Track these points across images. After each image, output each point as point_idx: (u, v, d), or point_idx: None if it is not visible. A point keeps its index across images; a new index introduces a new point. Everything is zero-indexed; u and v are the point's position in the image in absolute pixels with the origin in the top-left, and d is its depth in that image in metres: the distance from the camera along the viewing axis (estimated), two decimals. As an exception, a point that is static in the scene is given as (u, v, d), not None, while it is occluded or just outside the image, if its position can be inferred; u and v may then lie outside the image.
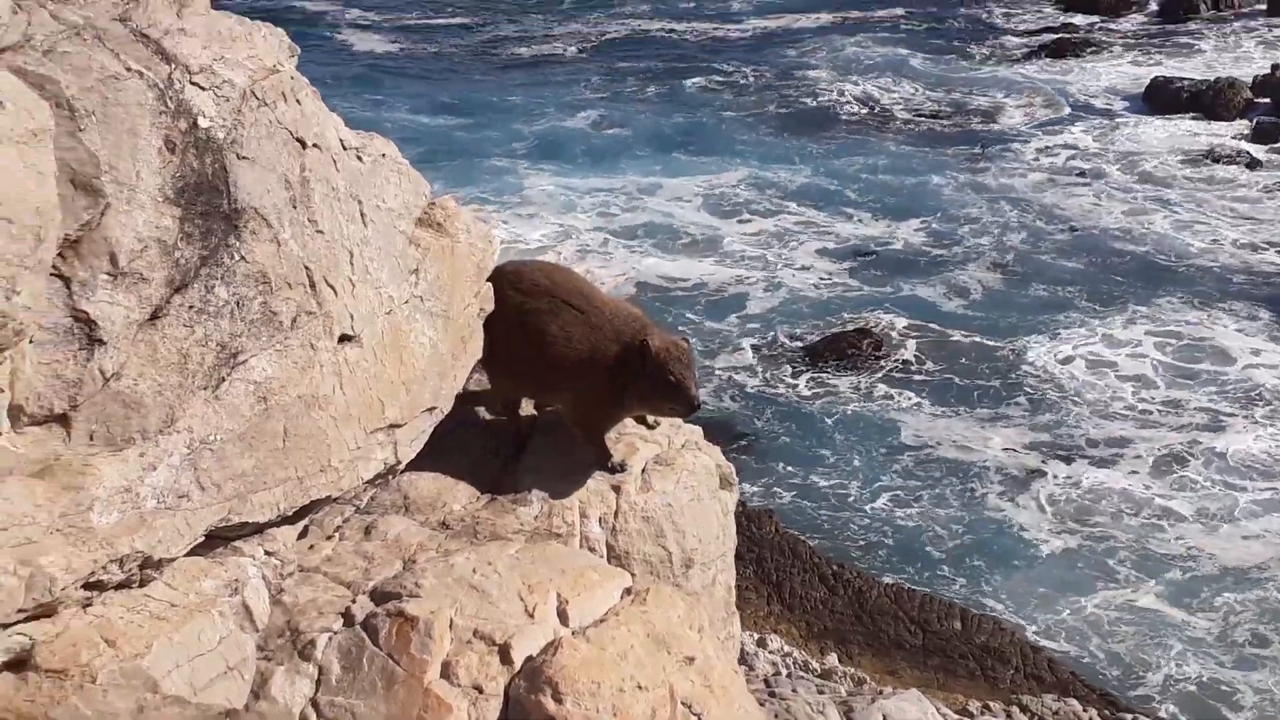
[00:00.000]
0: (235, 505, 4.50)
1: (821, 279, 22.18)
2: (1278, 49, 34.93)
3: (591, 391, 5.78)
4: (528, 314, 5.83)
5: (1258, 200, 25.46)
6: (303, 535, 5.14)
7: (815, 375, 19.04)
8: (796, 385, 18.72)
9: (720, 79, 34.19)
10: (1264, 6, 38.61)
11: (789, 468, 16.65)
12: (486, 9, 42.39)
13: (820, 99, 32.38)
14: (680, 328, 19.70)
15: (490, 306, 5.67)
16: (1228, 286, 21.46)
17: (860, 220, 24.52)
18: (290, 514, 4.74)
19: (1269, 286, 21.49)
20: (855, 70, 34.59)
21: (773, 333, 20.39)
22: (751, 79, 34.10)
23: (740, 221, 24.62)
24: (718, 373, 19.03)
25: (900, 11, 41.08)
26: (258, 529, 4.72)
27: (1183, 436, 17.07)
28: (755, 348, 19.91)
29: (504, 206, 24.74)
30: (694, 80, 33.99)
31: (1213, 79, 31.87)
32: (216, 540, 4.59)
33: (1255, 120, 29.75)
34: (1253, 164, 27.35)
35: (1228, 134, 29.31)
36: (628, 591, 5.06)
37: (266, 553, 4.77)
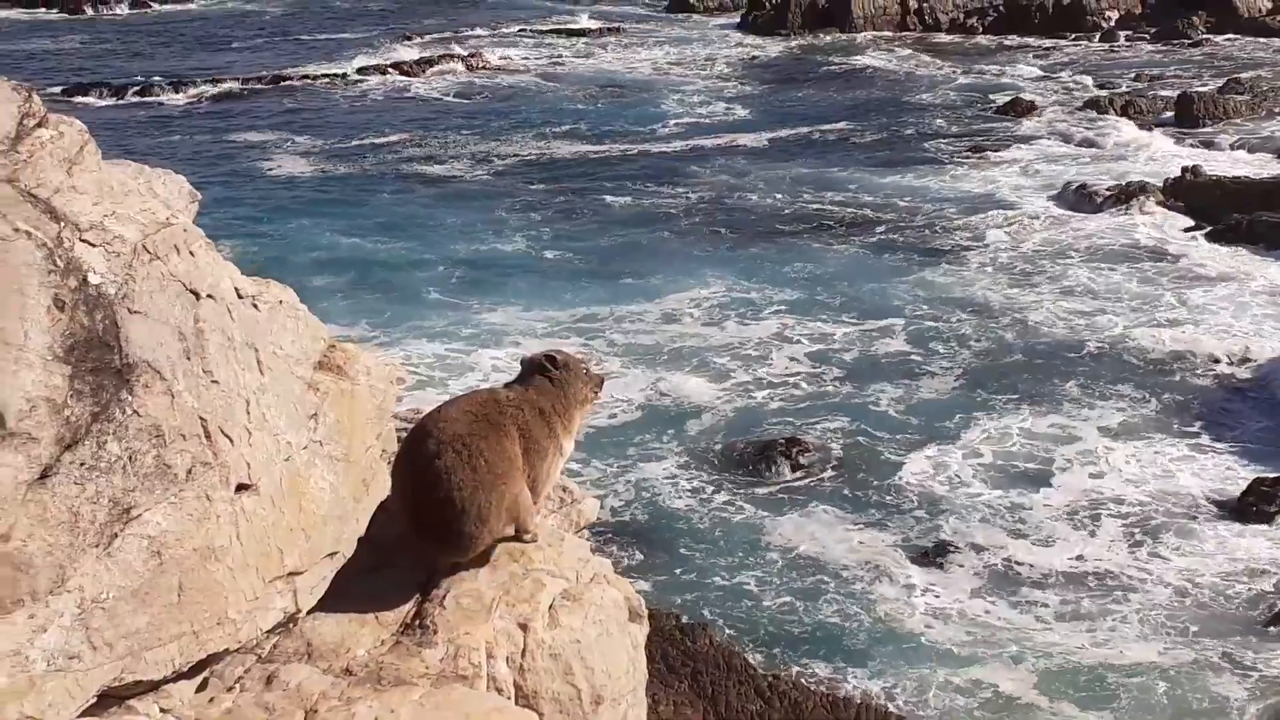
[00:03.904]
0: (129, 664, 4.43)
1: (767, 386, 22.30)
2: (1185, 155, 36.03)
3: (539, 449, 5.94)
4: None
5: (1161, 294, 26.09)
6: (203, 688, 5.06)
7: (747, 485, 19.05)
8: (726, 495, 18.72)
9: (660, 199, 34.26)
10: (1171, 114, 40.02)
11: (715, 578, 16.58)
12: (419, 129, 42.48)
13: (770, 212, 32.72)
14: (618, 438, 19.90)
15: (392, 447, 5.67)
16: (1136, 383, 21.86)
17: (809, 328, 24.71)
18: (186, 669, 4.68)
19: (1186, 386, 21.88)
20: (795, 183, 35.05)
21: (705, 441, 20.43)
22: (690, 198, 34.20)
23: (704, 329, 24.76)
24: (644, 482, 19.02)
25: (842, 125, 41.85)
26: (153, 686, 4.64)
27: (1089, 545, 17.21)
28: (685, 456, 19.92)
29: (465, 343, 24.05)
30: (623, 199, 34.03)
31: (1124, 183, 32.80)
32: (110, 699, 4.51)
33: (1168, 221, 30.57)
34: (1164, 258, 28.18)
35: (1141, 233, 30.08)
36: (535, 733, 5.02)
37: (162, 710, 4.68)
